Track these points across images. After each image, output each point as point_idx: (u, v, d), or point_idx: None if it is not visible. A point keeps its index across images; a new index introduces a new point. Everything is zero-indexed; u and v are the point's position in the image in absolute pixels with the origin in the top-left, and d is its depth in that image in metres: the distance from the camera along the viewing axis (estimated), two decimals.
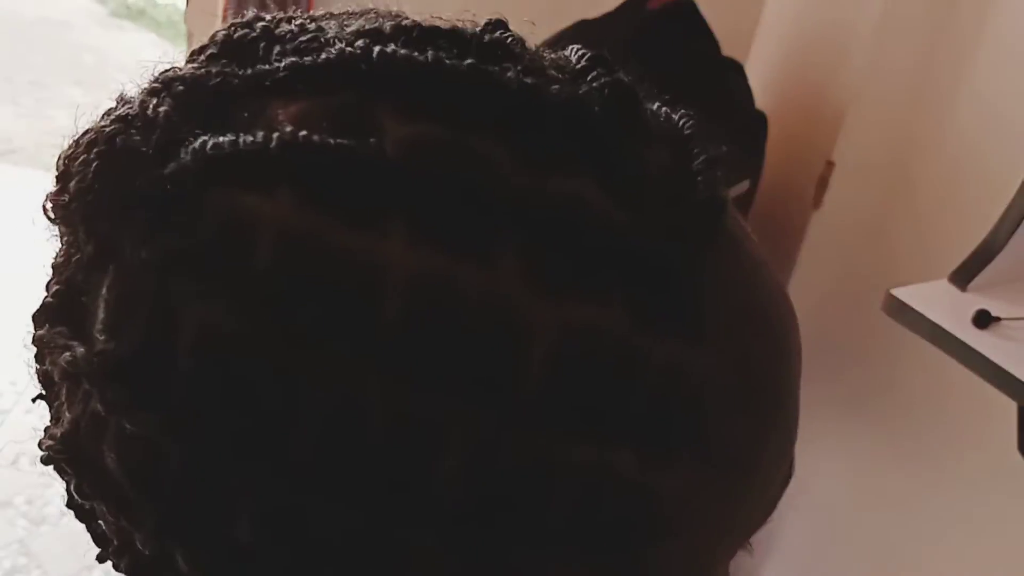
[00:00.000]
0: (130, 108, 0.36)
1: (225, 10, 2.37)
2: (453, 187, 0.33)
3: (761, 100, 2.16)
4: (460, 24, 0.38)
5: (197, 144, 0.34)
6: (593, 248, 0.34)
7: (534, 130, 0.35)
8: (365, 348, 0.32)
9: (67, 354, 0.35)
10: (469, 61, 0.36)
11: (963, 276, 1.45)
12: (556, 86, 0.36)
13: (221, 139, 0.34)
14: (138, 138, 0.35)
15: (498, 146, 0.34)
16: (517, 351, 0.33)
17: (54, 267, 0.38)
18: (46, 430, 0.38)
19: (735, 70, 2.16)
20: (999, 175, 1.50)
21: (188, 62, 0.38)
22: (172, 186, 0.33)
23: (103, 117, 0.37)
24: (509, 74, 0.36)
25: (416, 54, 0.36)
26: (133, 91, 0.38)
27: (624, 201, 0.35)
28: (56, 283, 0.37)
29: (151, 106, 0.36)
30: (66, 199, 0.36)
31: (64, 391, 0.37)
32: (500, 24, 0.39)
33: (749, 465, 0.39)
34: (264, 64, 0.37)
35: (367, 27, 0.38)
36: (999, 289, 1.43)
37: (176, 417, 0.33)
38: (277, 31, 0.38)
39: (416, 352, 0.32)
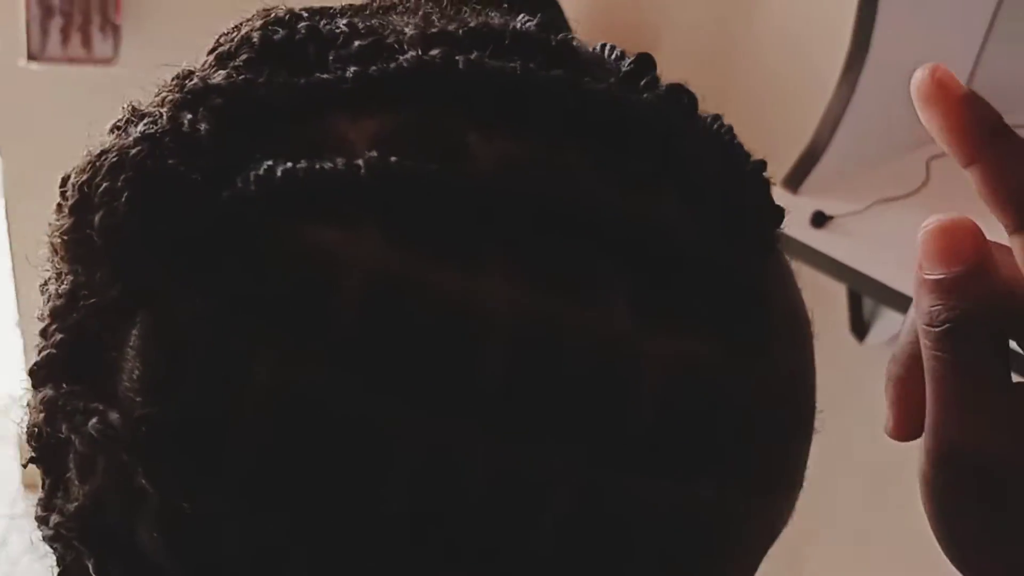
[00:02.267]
0: (155, 124, 0.32)
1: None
2: (553, 216, 0.31)
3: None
4: (512, 24, 0.35)
5: (262, 170, 0.30)
6: (691, 276, 0.32)
7: (622, 144, 0.33)
8: (467, 403, 0.29)
9: (94, 420, 0.30)
10: (557, 71, 0.33)
11: (794, 180, 1.52)
12: (638, 95, 0.34)
13: (293, 165, 0.30)
14: (178, 162, 0.31)
15: (589, 164, 0.32)
16: (630, 393, 0.31)
17: (53, 312, 0.33)
18: (46, 502, 0.33)
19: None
20: (819, 76, 1.56)
21: (213, 68, 0.34)
22: (230, 220, 0.30)
23: (116, 133, 0.33)
24: (599, 86, 0.33)
25: (506, 64, 0.33)
26: (142, 99, 0.34)
27: (706, 220, 0.33)
28: (57, 330, 0.32)
29: (186, 122, 0.32)
30: (85, 233, 0.31)
31: (75, 459, 0.32)
32: (551, 21, 0.35)
33: (800, 481, 0.37)
34: (322, 72, 0.33)
35: (433, 30, 0.34)
36: (829, 188, 1.50)
37: (247, 491, 0.29)
38: (325, 32, 0.34)
39: (523, 405, 0.30)
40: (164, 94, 0.34)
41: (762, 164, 0.36)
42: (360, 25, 0.35)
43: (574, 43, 0.35)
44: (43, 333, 0.33)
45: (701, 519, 0.33)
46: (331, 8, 0.36)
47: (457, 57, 0.33)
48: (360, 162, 0.30)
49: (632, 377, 0.31)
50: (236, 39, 0.34)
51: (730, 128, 0.36)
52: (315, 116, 0.32)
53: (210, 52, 0.35)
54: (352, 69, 0.32)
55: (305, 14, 0.35)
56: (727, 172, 0.35)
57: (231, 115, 0.32)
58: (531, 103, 0.32)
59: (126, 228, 0.31)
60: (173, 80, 0.34)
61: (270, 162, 0.30)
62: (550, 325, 0.30)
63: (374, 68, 0.32)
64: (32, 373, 0.33)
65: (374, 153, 0.30)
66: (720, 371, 0.32)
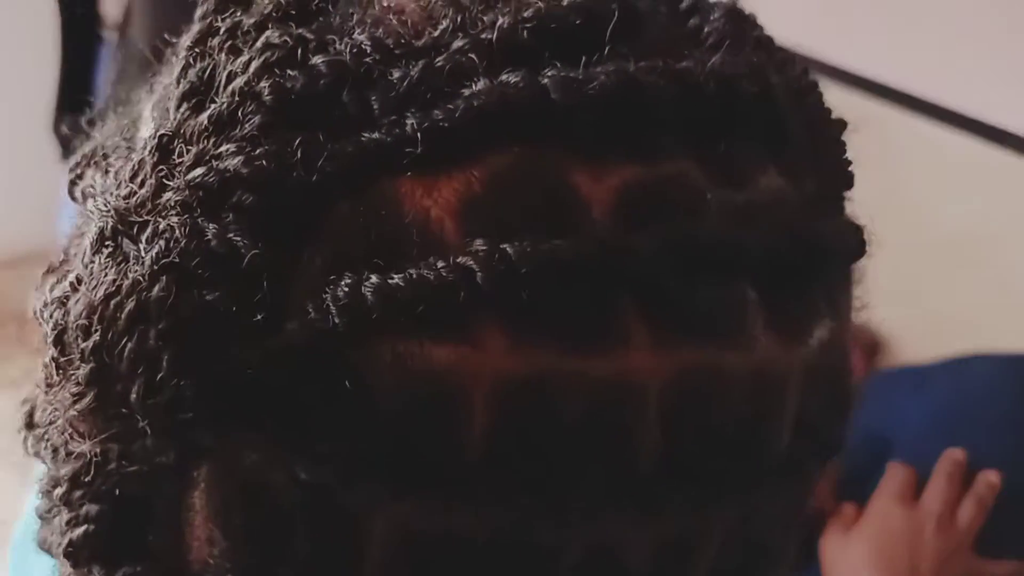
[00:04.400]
0: (168, 243, 0.28)
1: None
2: (687, 262, 0.29)
3: None
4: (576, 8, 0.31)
5: (340, 291, 0.27)
6: (811, 282, 0.32)
7: (728, 143, 0.31)
8: (629, 489, 0.29)
9: None
10: (658, 70, 0.30)
11: None
12: (746, 84, 0.31)
13: (382, 282, 0.27)
14: (221, 296, 0.27)
15: (701, 175, 0.30)
16: (776, 427, 0.31)
17: (75, 479, 0.29)
18: None
19: None
20: None
21: (210, 137, 0.30)
22: (310, 360, 0.27)
23: (104, 250, 0.29)
24: (701, 78, 0.30)
25: (603, 79, 0.29)
26: (107, 192, 0.31)
27: (816, 210, 0.33)
28: (88, 500, 0.29)
29: (213, 236, 0.28)
30: (116, 409, 0.27)
31: None
32: None
33: None
34: (370, 128, 0.29)
35: (488, 34, 0.30)
36: None
37: None
38: (352, 61, 0.29)
39: (684, 469, 0.30)
40: (150, 180, 0.30)
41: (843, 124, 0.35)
42: (389, 39, 0.30)
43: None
44: (65, 501, 0.29)
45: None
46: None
47: (543, 79, 0.29)
48: (471, 263, 0.27)
49: (779, 408, 0.31)
50: (234, 94, 0.30)
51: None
52: (377, 196, 0.28)
53: (185, 99, 0.31)
54: (410, 122, 0.29)
55: (309, 28, 0.31)
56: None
57: (271, 216, 0.28)
58: (645, 120, 0.30)
59: (176, 399, 0.27)
60: (154, 155, 0.30)
61: (348, 280, 0.27)
62: (708, 378, 0.29)
63: (440, 115, 0.29)
64: (71, 554, 0.29)
65: (480, 245, 0.27)
66: (846, 378, 0.35)
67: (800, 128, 0.34)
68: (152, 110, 0.35)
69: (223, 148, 0.29)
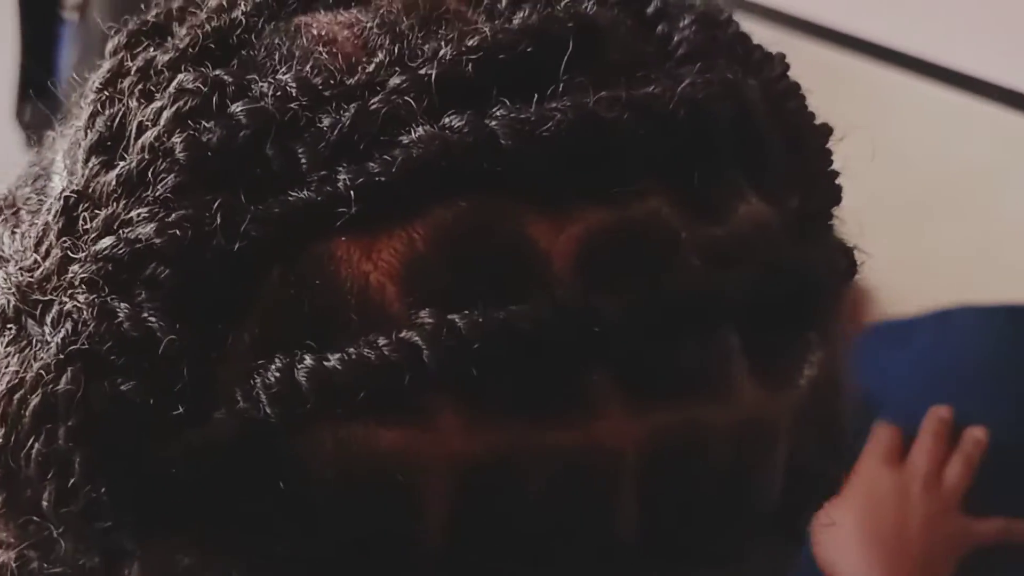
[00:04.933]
0: (74, 326, 0.25)
1: None
2: (661, 320, 0.27)
3: None
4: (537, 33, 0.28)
5: (272, 376, 0.25)
6: (799, 318, 0.30)
7: (703, 173, 0.28)
8: (613, 557, 0.27)
9: None
10: (621, 101, 0.27)
11: None
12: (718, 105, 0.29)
13: (318, 364, 0.25)
14: (138, 387, 0.25)
15: (674, 213, 0.28)
16: (765, 481, 0.30)
17: None
18: None
19: None
20: None
21: (116, 196, 0.27)
22: (240, 454, 0.25)
23: (3, 341, 0.26)
24: (670, 106, 0.28)
25: (559, 118, 0.26)
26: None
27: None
28: None
29: (126, 318, 0.25)
30: (27, 516, 0.25)
31: None
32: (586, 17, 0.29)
33: None
34: (298, 186, 0.26)
35: (427, 73, 0.27)
36: None
37: None
38: (276, 110, 0.27)
39: (670, 535, 0.28)
40: (55, 250, 0.27)
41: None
42: (318, 78, 0.27)
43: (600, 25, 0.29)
44: None
45: None
46: (230, 22, 0.30)
47: (490, 121, 0.26)
48: (416, 338, 0.25)
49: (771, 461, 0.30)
50: (144, 150, 0.27)
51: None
52: (309, 263, 0.26)
53: (93, 152, 0.28)
54: (343, 177, 0.26)
55: (228, 68, 0.28)
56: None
57: (190, 292, 0.25)
58: (608, 159, 0.27)
59: (92, 506, 0.24)
60: (59, 220, 0.27)
61: (279, 363, 0.25)
62: (686, 439, 0.28)
63: (375, 168, 0.26)
64: None
65: (426, 317, 0.25)
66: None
67: (781, 143, 0.31)
68: (64, 158, 0.32)
69: (134, 213, 0.26)
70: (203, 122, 0.27)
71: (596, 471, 0.27)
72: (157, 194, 0.26)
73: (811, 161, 0.33)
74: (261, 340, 0.26)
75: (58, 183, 0.31)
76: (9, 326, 0.26)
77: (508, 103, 0.27)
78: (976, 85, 0.95)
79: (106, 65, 0.31)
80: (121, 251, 0.26)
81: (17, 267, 0.28)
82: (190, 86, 0.28)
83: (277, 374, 0.25)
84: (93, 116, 0.29)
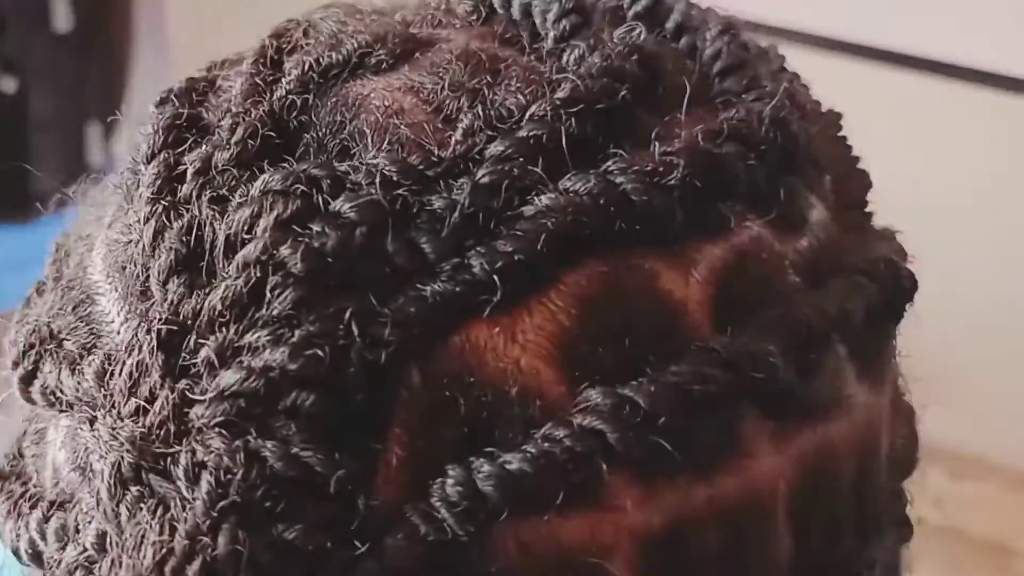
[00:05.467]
0: (214, 476, 0.23)
1: None
2: (795, 346, 0.27)
3: None
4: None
5: (456, 493, 0.23)
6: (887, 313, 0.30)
7: (783, 188, 0.28)
8: None
9: None
10: (721, 135, 0.27)
11: None
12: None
13: (499, 469, 0.23)
14: (304, 531, 0.23)
15: (769, 232, 0.28)
16: (879, 476, 0.30)
17: None
18: None
19: None
20: None
21: (222, 321, 0.24)
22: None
23: (128, 504, 0.24)
24: (762, 133, 0.28)
25: (681, 163, 0.26)
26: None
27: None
28: None
29: (272, 455, 0.23)
30: None
31: None
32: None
33: None
34: (428, 278, 0.24)
35: (532, 134, 0.26)
36: None
37: None
38: (386, 200, 0.25)
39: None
40: (164, 392, 0.25)
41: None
42: (413, 156, 0.26)
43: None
44: None
45: None
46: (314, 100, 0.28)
47: (616, 179, 0.26)
48: (598, 424, 0.24)
49: None
50: (248, 267, 0.24)
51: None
52: (452, 359, 0.24)
53: (173, 274, 0.25)
54: (478, 263, 0.24)
55: (300, 156, 0.26)
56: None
57: (338, 415, 0.23)
58: (713, 194, 0.27)
59: None
60: (157, 356, 0.25)
61: (455, 475, 0.23)
62: (824, 460, 0.28)
63: (509, 247, 0.24)
64: None
65: (598, 398, 0.24)
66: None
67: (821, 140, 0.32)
68: (107, 275, 0.29)
69: (252, 338, 0.24)
70: (310, 225, 0.24)
71: (758, 512, 0.26)
72: (275, 313, 0.24)
73: (839, 150, 0.33)
74: (418, 451, 0.24)
75: (111, 308, 0.28)
76: (131, 488, 0.24)
77: (621, 153, 0.26)
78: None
79: (149, 171, 0.28)
80: (252, 384, 0.23)
81: (114, 416, 0.25)
82: (278, 186, 0.25)
83: (457, 487, 0.23)
84: (159, 232, 0.26)
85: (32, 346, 0.29)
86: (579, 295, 0.25)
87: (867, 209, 0.33)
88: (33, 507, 0.29)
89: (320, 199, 0.25)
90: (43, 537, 0.27)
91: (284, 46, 0.31)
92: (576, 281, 0.25)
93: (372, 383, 0.24)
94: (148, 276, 0.26)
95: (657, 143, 0.27)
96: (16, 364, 0.29)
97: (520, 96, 0.27)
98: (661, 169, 0.26)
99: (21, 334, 0.30)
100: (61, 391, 0.28)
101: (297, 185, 0.25)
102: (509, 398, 0.24)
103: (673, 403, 0.24)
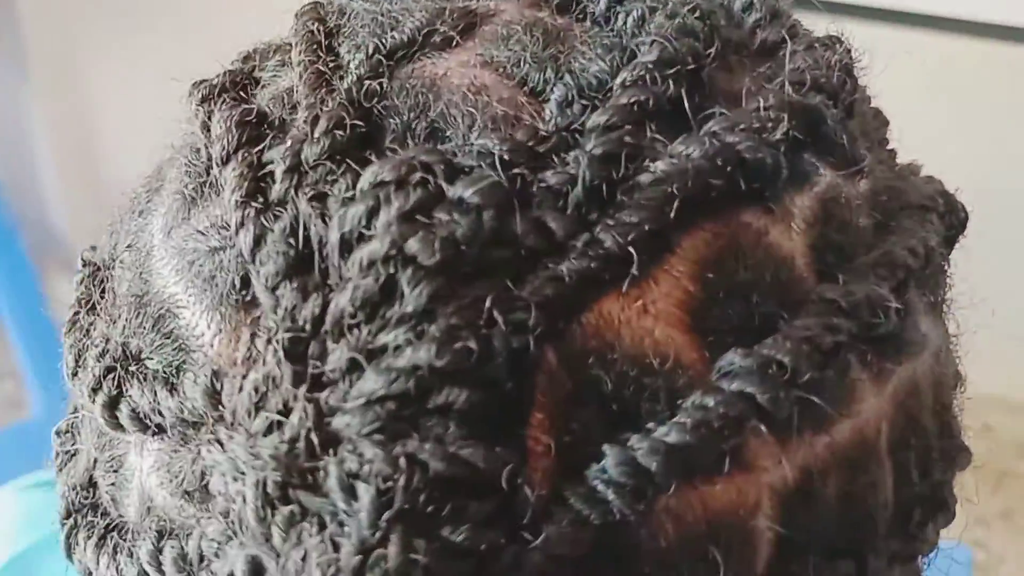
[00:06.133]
0: (374, 486, 0.22)
1: None
2: (896, 285, 0.27)
3: None
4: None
5: (619, 471, 0.23)
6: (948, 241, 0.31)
7: (846, 134, 0.29)
8: None
9: None
10: (807, 91, 0.27)
11: None
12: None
13: (657, 442, 0.23)
14: (472, 531, 0.22)
15: (840, 180, 0.28)
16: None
17: None
18: None
19: None
20: None
21: (364, 325, 0.23)
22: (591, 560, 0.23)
23: (279, 525, 0.23)
24: (835, 81, 0.28)
25: (777, 117, 0.26)
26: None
27: None
28: None
29: (433, 458, 0.22)
30: None
31: None
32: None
33: None
34: (559, 256, 0.24)
35: (633, 100, 0.25)
36: None
37: None
38: (506, 180, 0.24)
39: None
40: (300, 403, 0.23)
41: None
42: (518, 133, 0.25)
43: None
44: None
45: None
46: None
47: (727, 137, 0.25)
48: (748, 388, 0.24)
49: None
50: (374, 265, 0.23)
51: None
52: (587, 337, 0.24)
53: (285, 278, 0.24)
54: (610, 236, 0.24)
55: (374, 144, 0.25)
56: None
57: (486, 408, 0.23)
58: (796, 146, 0.27)
59: None
60: (285, 367, 0.24)
61: (615, 453, 0.23)
62: (915, 395, 0.29)
63: (636, 218, 0.24)
64: None
65: (742, 361, 0.24)
66: None
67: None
68: (185, 287, 0.27)
69: (388, 337, 0.23)
70: (435, 214, 0.23)
71: (867, 453, 0.27)
72: (410, 309, 0.23)
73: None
74: (566, 435, 0.23)
75: (198, 321, 0.26)
76: (281, 507, 0.23)
77: (722, 112, 0.26)
78: None
79: (229, 173, 0.26)
80: (400, 385, 0.22)
81: (243, 434, 0.24)
82: (391, 177, 0.24)
83: (621, 466, 0.23)
84: (259, 237, 0.25)
85: (111, 369, 0.27)
86: (699, 259, 0.25)
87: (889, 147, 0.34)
88: (131, 538, 0.27)
89: (437, 185, 0.24)
90: (159, 569, 0.26)
91: (332, 30, 0.29)
92: (694, 245, 0.25)
93: (522, 370, 0.23)
94: (248, 284, 0.25)
95: (749, 100, 0.27)
96: (96, 390, 0.27)
97: (601, 63, 0.27)
98: (769, 126, 0.26)
99: (88, 358, 0.28)
100: (159, 413, 0.26)
101: (412, 173, 0.24)
102: (651, 370, 0.24)
103: (810, 357, 0.24)
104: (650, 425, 0.23)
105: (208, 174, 0.28)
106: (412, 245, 0.23)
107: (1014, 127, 1.34)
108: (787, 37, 0.30)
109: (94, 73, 1.78)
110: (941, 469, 0.30)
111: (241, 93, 0.29)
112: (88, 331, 0.30)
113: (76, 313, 0.31)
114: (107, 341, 0.28)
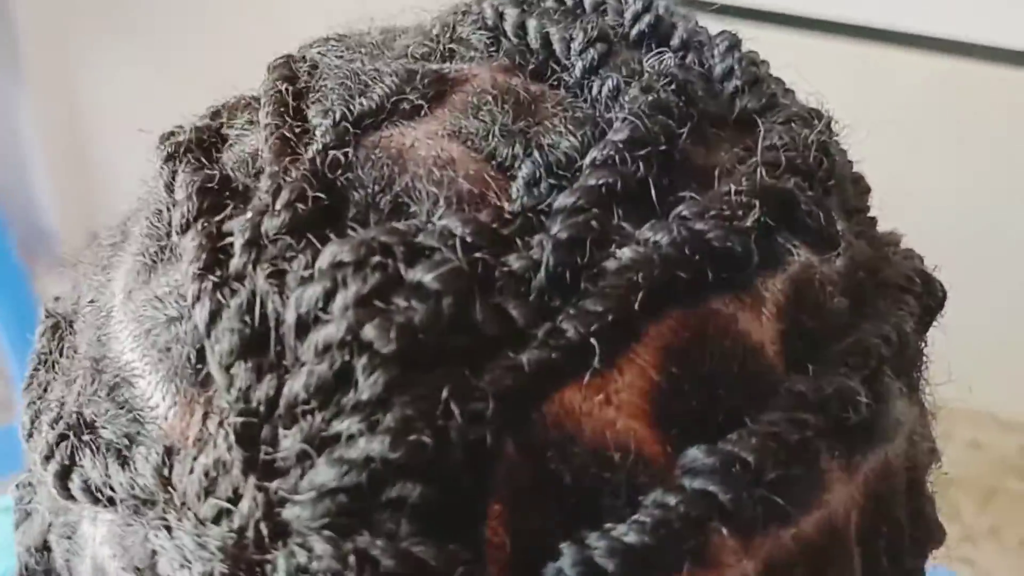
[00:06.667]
0: None
1: None
2: (869, 374, 0.27)
3: None
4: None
5: (575, 572, 0.22)
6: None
7: (823, 212, 0.28)
8: None
9: None
10: (787, 169, 0.27)
11: None
12: None
13: (615, 542, 0.23)
14: None
15: (814, 260, 0.28)
16: None
17: None
18: None
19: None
20: None
21: (317, 412, 0.22)
22: None
23: None
24: (811, 158, 0.28)
25: (749, 201, 0.26)
26: None
27: None
28: None
29: (383, 555, 0.21)
30: None
31: None
32: None
33: None
34: (518, 345, 0.23)
35: (600, 183, 0.25)
36: None
37: None
38: (466, 264, 0.23)
39: None
40: (251, 492, 0.23)
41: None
42: (481, 213, 0.25)
43: None
44: None
45: None
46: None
47: (696, 225, 0.25)
48: (710, 486, 0.23)
49: None
50: (329, 349, 0.22)
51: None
52: (545, 427, 0.23)
53: (239, 357, 0.23)
54: (571, 325, 0.23)
55: (354, 219, 0.25)
56: None
57: (440, 503, 0.22)
58: (769, 230, 0.26)
59: None
60: (236, 451, 0.23)
61: (571, 556, 0.22)
62: (886, 478, 0.29)
63: (599, 307, 0.23)
64: None
65: (705, 458, 0.24)
66: None
67: None
68: (142, 355, 0.26)
69: (343, 425, 0.22)
70: (392, 299, 0.23)
71: (835, 542, 0.26)
72: (365, 397, 0.22)
73: (840, 157, 0.33)
74: (523, 529, 0.23)
75: (153, 392, 0.26)
76: None
77: (692, 196, 0.25)
78: None
79: (188, 242, 0.26)
80: (353, 478, 0.22)
81: (192, 520, 0.23)
82: (349, 258, 0.23)
83: (577, 566, 0.22)
84: (215, 313, 0.24)
85: (64, 437, 0.27)
86: (665, 347, 0.24)
87: (870, 214, 0.33)
88: None
89: (396, 268, 0.23)
90: None
91: (301, 91, 0.29)
92: (660, 333, 0.24)
93: (478, 462, 0.22)
94: (203, 359, 0.24)
95: (721, 182, 0.26)
96: (48, 458, 0.27)
97: (572, 138, 0.26)
98: (740, 212, 0.25)
99: (43, 422, 0.28)
100: (109, 487, 0.25)
101: (371, 256, 0.23)
102: (612, 464, 0.23)
103: (775, 454, 0.24)
104: (608, 524, 0.23)
105: (168, 238, 0.27)
106: (368, 331, 0.22)
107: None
108: (767, 107, 0.29)
109: (87, 75, 1.78)
110: (913, 555, 0.30)
111: (206, 154, 0.28)
112: (45, 390, 0.29)
113: (36, 369, 0.30)
114: (62, 406, 0.28)
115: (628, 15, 0.32)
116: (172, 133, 0.30)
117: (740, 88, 0.30)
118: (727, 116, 0.29)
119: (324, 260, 0.24)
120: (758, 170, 0.26)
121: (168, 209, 0.28)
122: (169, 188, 0.28)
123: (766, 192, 0.26)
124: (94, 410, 0.27)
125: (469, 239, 0.24)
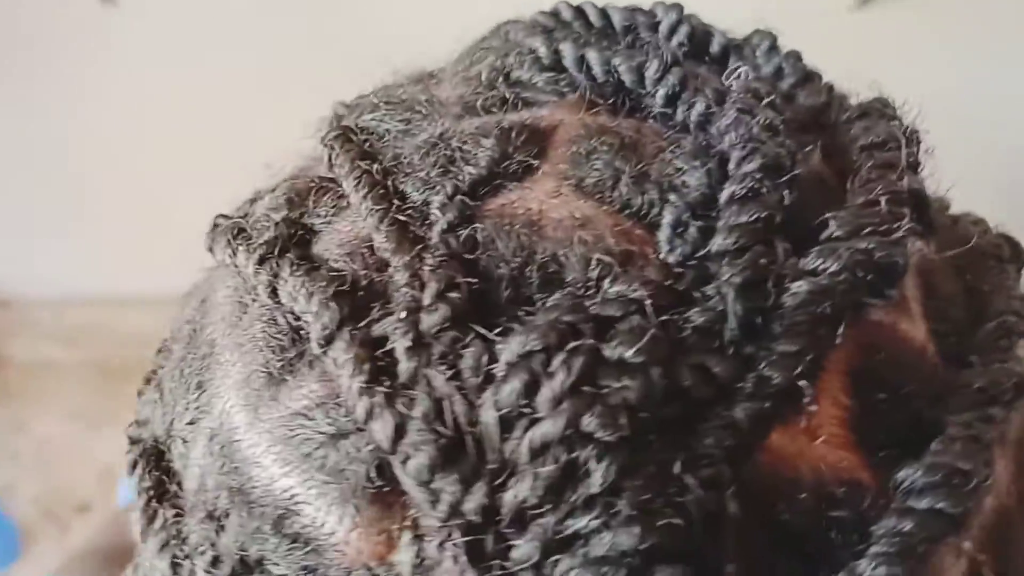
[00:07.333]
0: None
1: None
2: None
3: None
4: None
5: None
6: None
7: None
8: None
9: None
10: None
11: None
12: None
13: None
14: None
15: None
16: None
17: None
18: None
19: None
20: None
21: (547, 515, 0.22)
22: None
23: None
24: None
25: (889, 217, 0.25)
26: None
27: None
28: None
29: None
30: None
31: None
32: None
33: None
34: (727, 403, 0.23)
35: (748, 221, 0.24)
36: None
37: None
38: (661, 333, 0.23)
39: None
40: None
41: None
42: (646, 270, 0.24)
43: None
44: None
45: None
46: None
47: (863, 244, 0.24)
48: (938, 504, 0.23)
49: None
50: (547, 448, 0.22)
51: None
52: (761, 481, 0.23)
53: (443, 470, 0.22)
54: (777, 373, 0.23)
55: (497, 309, 0.24)
56: None
57: None
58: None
59: None
60: (459, 560, 0.22)
61: None
62: None
63: (797, 346, 0.23)
64: None
65: (915, 474, 0.23)
66: None
67: None
68: (303, 480, 0.24)
69: (579, 523, 0.21)
70: (600, 382, 0.22)
71: (1009, 524, 0.26)
72: (595, 490, 0.21)
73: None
74: None
75: (326, 519, 0.24)
76: None
77: (839, 215, 0.25)
78: None
79: (339, 354, 0.24)
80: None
81: None
82: (540, 345, 0.22)
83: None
84: (400, 427, 0.23)
85: None
86: (849, 370, 0.24)
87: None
88: None
89: (594, 348, 0.22)
90: None
91: (384, 170, 0.27)
92: (839, 357, 0.24)
93: (711, 532, 0.22)
94: (384, 476, 0.23)
95: (856, 192, 0.26)
96: None
97: (697, 174, 0.25)
98: (896, 225, 0.25)
99: (198, 570, 0.25)
100: None
101: (563, 339, 0.22)
102: (835, 499, 0.23)
103: (981, 455, 0.24)
104: (854, 564, 0.22)
105: (294, 346, 0.26)
106: (589, 422, 0.21)
107: None
108: (829, 103, 0.29)
109: None
110: None
111: (304, 252, 0.27)
112: (179, 532, 0.27)
113: (148, 504, 0.28)
114: (212, 545, 0.26)
115: (663, 28, 0.31)
116: (239, 229, 0.28)
117: (794, 86, 0.29)
118: (805, 119, 0.29)
119: (512, 352, 0.22)
120: (887, 174, 0.26)
121: (285, 317, 0.26)
122: (273, 292, 0.26)
123: (907, 196, 0.26)
124: (259, 547, 0.25)
125: (650, 302, 0.23)
